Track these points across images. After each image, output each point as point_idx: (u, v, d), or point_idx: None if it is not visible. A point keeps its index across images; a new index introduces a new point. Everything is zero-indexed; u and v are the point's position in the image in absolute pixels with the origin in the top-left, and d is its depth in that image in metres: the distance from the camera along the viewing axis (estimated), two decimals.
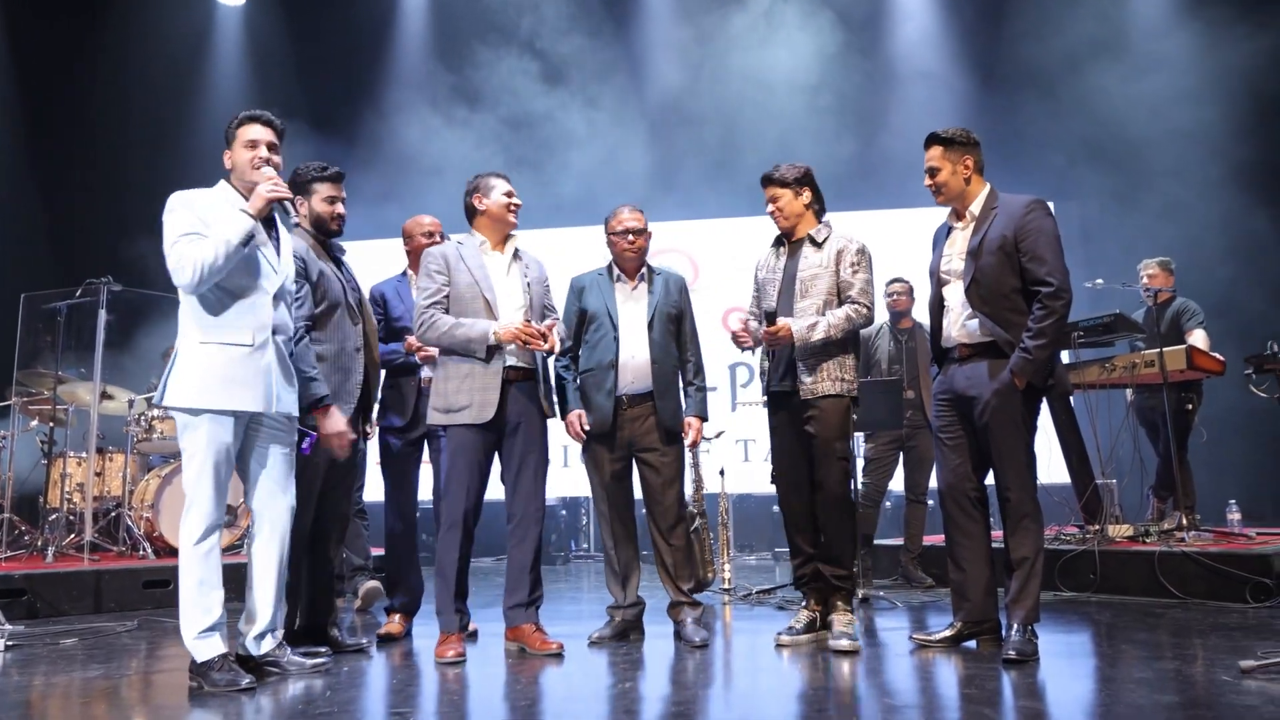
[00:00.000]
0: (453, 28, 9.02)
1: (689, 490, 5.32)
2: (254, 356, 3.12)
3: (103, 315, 5.71)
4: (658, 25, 8.99)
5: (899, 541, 5.77)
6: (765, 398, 3.89)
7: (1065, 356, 5.70)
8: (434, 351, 3.83)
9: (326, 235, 3.72)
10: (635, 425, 3.93)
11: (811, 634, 3.71)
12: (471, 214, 3.82)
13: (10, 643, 3.93)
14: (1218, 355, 5.19)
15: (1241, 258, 7.01)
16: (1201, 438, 5.40)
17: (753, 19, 8.47)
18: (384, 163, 8.57)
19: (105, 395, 6.17)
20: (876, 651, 3.56)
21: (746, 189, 7.13)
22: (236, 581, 3.39)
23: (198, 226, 3.07)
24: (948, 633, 3.58)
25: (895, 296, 5.71)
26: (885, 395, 5.04)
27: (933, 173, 3.56)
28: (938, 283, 3.62)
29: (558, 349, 3.66)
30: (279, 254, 3.32)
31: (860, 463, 5.45)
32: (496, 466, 3.75)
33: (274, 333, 3.19)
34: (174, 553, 5.38)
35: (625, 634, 3.92)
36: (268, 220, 3.28)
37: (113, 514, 6.04)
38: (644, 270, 4.07)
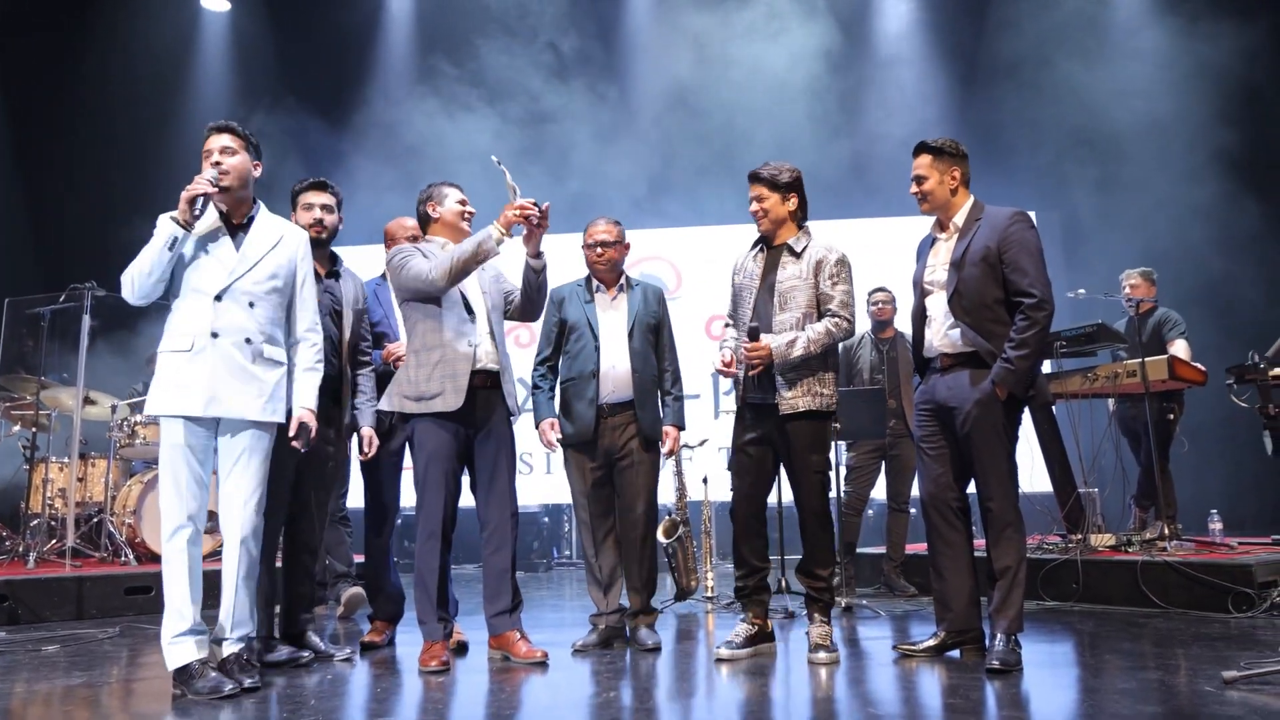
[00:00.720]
0: (428, 41, 9.02)
1: (672, 498, 5.35)
2: (194, 361, 3.12)
3: (86, 320, 5.69)
4: (643, 35, 9.00)
5: (881, 550, 5.78)
6: (737, 406, 3.84)
7: (1047, 366, 5.73)
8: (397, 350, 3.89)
9: (314, 244, 3.69)
10: (615, 434, 3.96)
11: (752, 647, 3.69)
12: (425, 221, 3.85)
13: None
14: (1199, 365, 5.23)
15: (1231, 253, 7.04)
16: (1183, 447, 5.44)
17: (741, 26, 8.50)
18: (375, 156, 8.57)
19: (88, 400, 6.14)
20: (859, 661, 3.57)
21: (728, 196, 7.15)
22: (216, 587, 3.35)
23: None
24: (931, 642, 3.59)
25: (879, 306, 5.73)
26: (868, 405, 5.06)
27: (919, 180, 3.58)
28: (921, 293, 3.64)
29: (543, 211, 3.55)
30: (241, 251, 3.25)
31: (842, 471, 5.47)
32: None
33: (219, 334, 3.15)
34: (156, 559, 5.42)
35: (609, 642, 3.93)
36: (232, 220, 3.28)
37: (95, 520, 6.02)
38: (623, 281, 4.10)
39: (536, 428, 4.05)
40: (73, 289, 5.71)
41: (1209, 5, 7.53)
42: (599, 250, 4.04)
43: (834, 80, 8.35)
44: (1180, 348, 5.49)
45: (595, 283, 4.09)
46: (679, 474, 5.29)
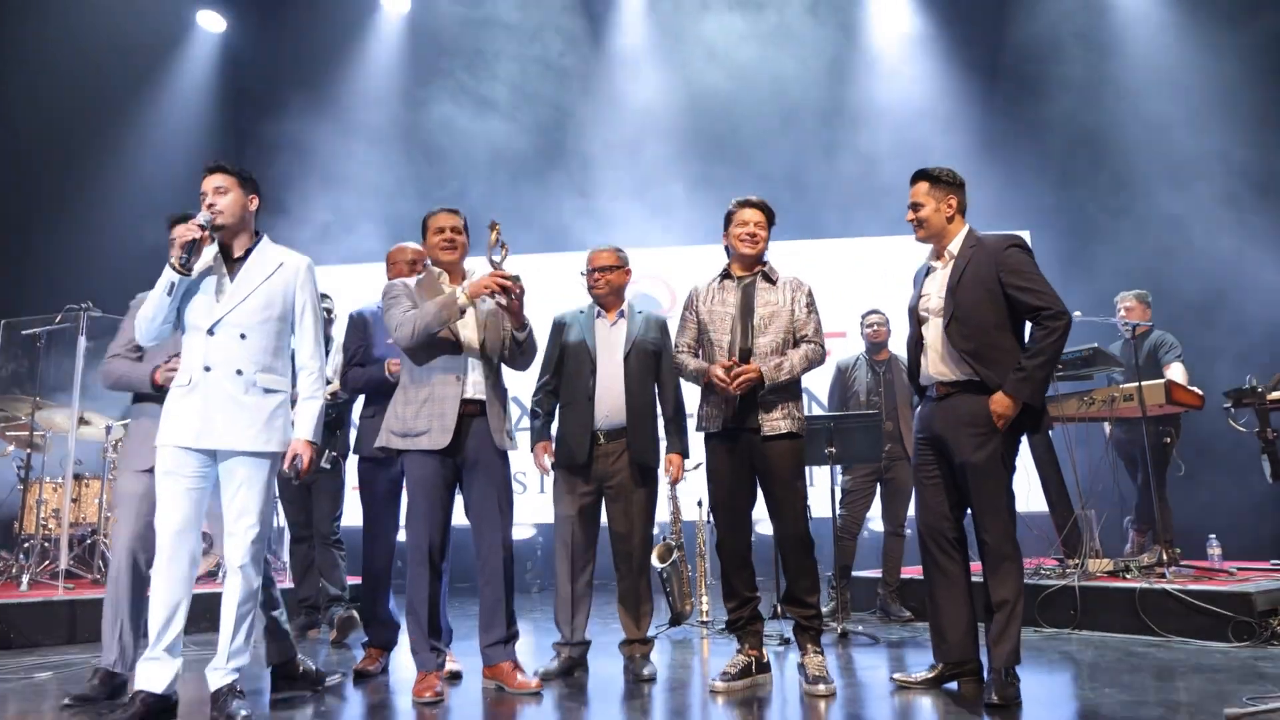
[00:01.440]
0: (425, 52, 8.99)
1: (667, 521, 5.34)
2: (189, 394, 3.21)
3: (82, 341, 5.67)
4: (635, 51, 8.97)
5: (877, 573, 5.76)
6: (706, 432, 3.84)
7: None
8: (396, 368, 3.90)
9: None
10: (608, 461, 3.95)
11: (747, 679, 3.68)
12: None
13: None
14: (1196, 390, 5.21)
15: (1233, 270, 6.99)
16: (1179, 471, 5.41)
17: (742, 42, 8.49)
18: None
19: (83, 421, 6.12)
20: (856, 693, 3.54)
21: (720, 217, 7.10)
22: (214, 610, 3.37)
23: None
24: (928, 674, 3.57)
25: (874, 328, 5.72)
26: (864, 429, 5.04)
27: (916, 207, 3.60)
28: (916, 321, 3.63)
29: (519, 291, 3.55)
30: (234, 284, 3.29)
31: (837, 494, 5.46)
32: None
33: (212, 368, 3.21)
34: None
35: (570, 670, 3.95)
36: (233, 254, 3.35)
37: (88, 541, 6.01)
38: (624, 307, 4.10)
39: (531, 449, 4.09)
40: (69, 310, 5.70)
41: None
42: (596, 275, 4.07)
43: (834, 97, 8.34)
44: (1177, 371, 5.47)
45: (597, 308, 4.11)
46: (673, 498, 5.27)
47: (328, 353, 5.37)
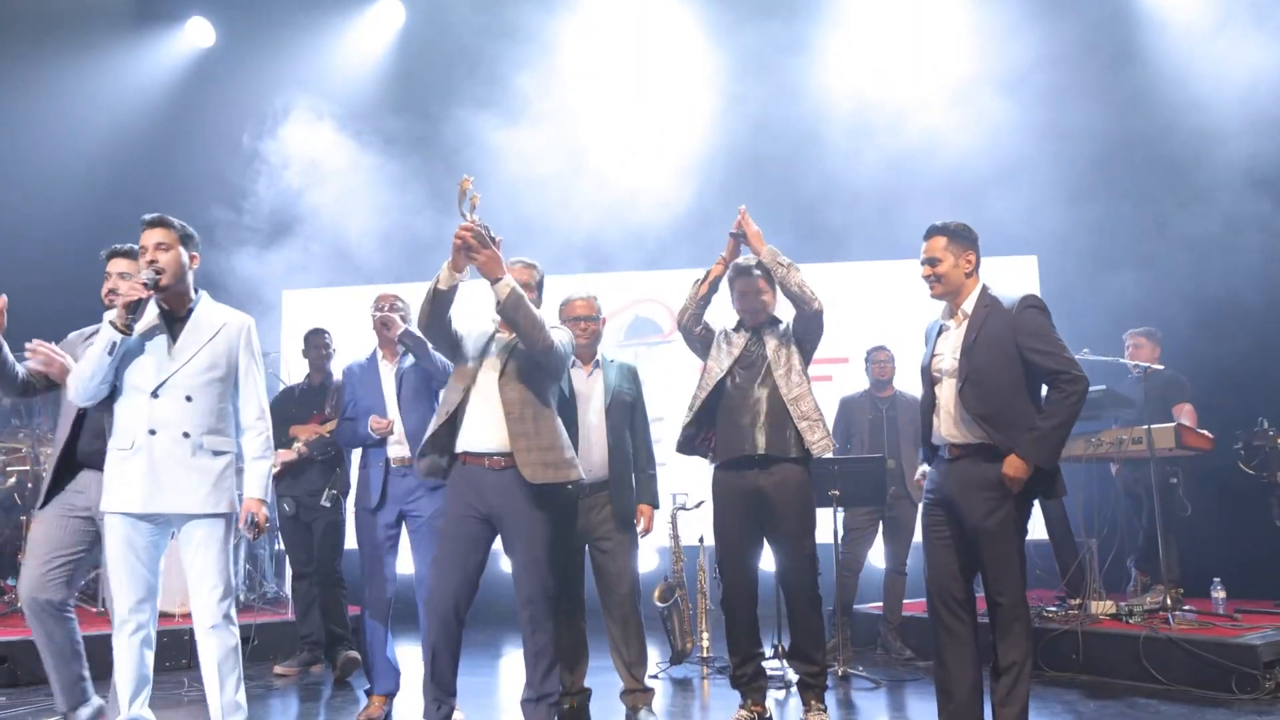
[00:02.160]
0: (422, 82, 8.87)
1: (668, 560, 5.32)
2: (133, 458, 3.15)
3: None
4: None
5: (878, 608, 5.73)
6: (715, 466, 3.89)
7: None
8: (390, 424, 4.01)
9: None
10: (591, 515, 3.91)
11: None
12: None
13: None
14: (1206, 433, 5.17)
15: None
16: (1186, 511, 5.37)
17: (746, 64, 8.39)
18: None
19: None
20: None
21: (719, 241, 6.98)
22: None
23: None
24: None
25: (881, 364, 5.68)
26: (868, 471, 5.02)
27: (933, 263, 3.49)
28: (930, 380, 3.55)
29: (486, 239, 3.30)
30: (177, 345, 3.25)
31: (839, 532, 5.44)
32: None
33: (156, 430, 3.16)
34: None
35: None
36: (173, 313, 3.31)
37: (92, 574, 6.00)
38: (598, 358, 4.06)
39: None
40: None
41: None
42: (582, 325, 3.99)
43: (836, 117, 8.22)
44: (1186, 413, 5.43)
45: (572, 358, 3.94)
46: (674, 536, 5.24)
47: (328, 387, 5.39)
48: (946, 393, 3.46)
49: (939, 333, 3.59)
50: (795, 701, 4.22)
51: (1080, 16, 7.70)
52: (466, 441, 3.46)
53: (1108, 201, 7.41)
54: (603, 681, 4.17)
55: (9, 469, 6.28)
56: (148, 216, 3.33)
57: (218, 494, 3.23)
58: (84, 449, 3.54)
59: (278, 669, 5.28)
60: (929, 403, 3.56)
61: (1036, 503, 5.20)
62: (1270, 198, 6.67)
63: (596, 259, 7.92)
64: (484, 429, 3.44)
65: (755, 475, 3.74)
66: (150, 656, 3.27)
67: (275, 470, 5.25)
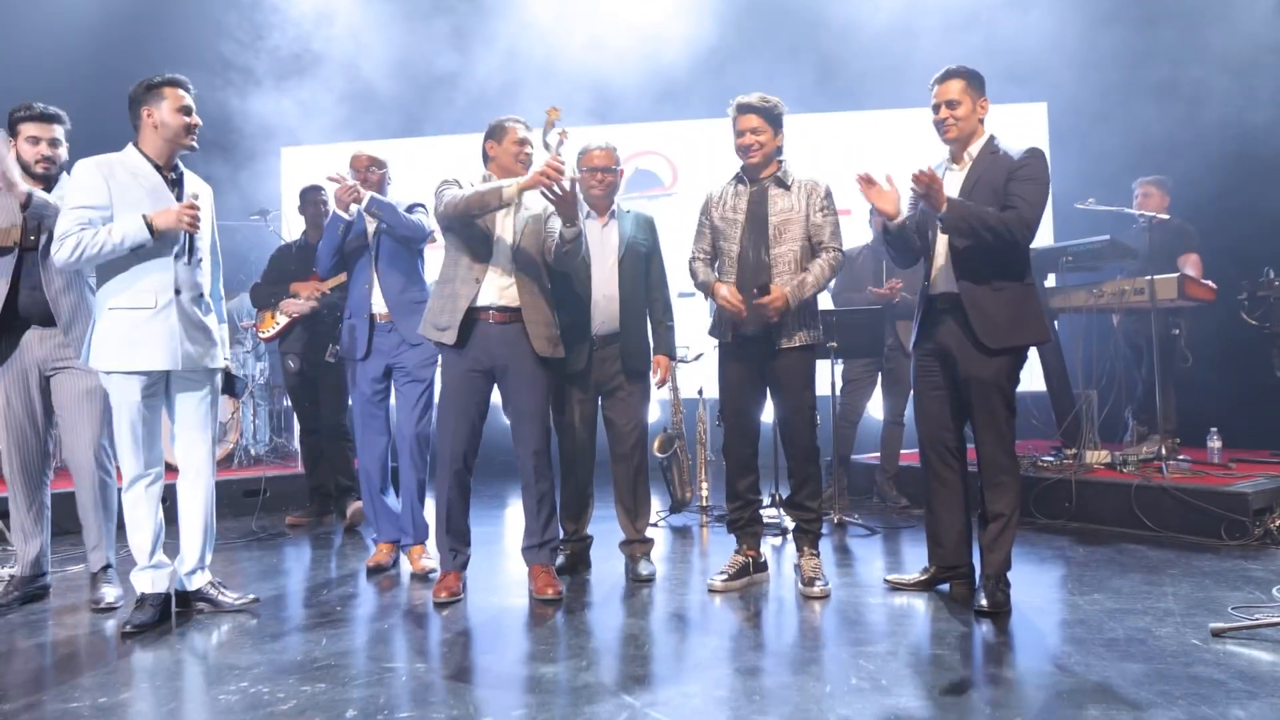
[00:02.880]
0: None
1: (668, 412, 5.36)
2: (158, 318, 3.26)
3: None
4: None
5: (875, 459, 5.81)
6: (718, 341, 3.80)
7: (1052, 279, 5.62)
8: (353, 183, 3.94)
9: (34, 178, 3.59)
10: (605, 366, 3.93)
11: (745, 578, 3.76)
12: (486, 158, 3.77)
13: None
14: (1209, 283, 5.10)
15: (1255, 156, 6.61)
16: (1187, 362, 5.36)
17: None
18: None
19: None
20: (850, 594, 3.61)
21: (725, 88, 6.73)
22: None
23: (98, 200, 3.20)
24: (921, 576, 3.65)
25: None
26: (866, 324, 4.99)
27: (953, 105, 3.39)
28: (932, 223, 3.47)
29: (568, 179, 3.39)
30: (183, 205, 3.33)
31: (838, 384, 5.45)
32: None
33: (180, 291, 3.31)
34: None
35: (574, 567, 4.05)
36: (175, 174, 3.39)
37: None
38: (613, 208, 3.97)
39: None
40: None
41: None
42: (599, 176, 3.90)
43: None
44: (1192, 263, 5.35)
45: (587, 209, 3.96)
46: (673, 388, 5.26)
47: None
48: (942, 240, 3.42)
49: (943, 175, 3.49)
50: (791, 548, 4.33)
51: None
52: (482, 297, 3.59)
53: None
54: (604, 530, 4.27)
55: None
56: (181, 77, 3.38)
57: (218, 350, 3.47)
58: (25, 302, 3.56)
59: (289, 519, 5.43)
60: (924, 251, 3.52)
61: (1034, 353, 5.24)
62: None
63: (599, 109, 7.71)
64: (496, 287, 3.60)
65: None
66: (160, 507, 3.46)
67: (280, 327, 5.27)
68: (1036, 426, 5.54)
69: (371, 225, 4.14)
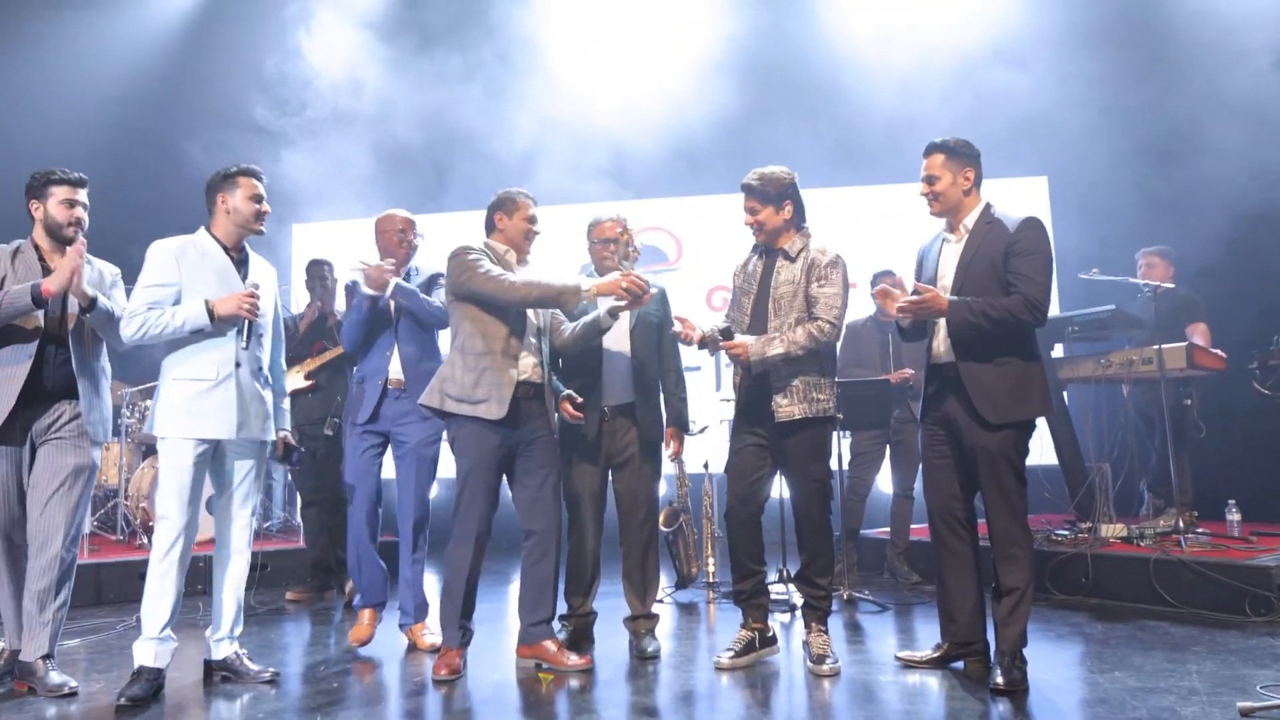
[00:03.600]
0: None
1: (673, 486, 5.30)
2: (218, 389, 3.40)
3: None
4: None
5: (885, 534, 5.71)
6: (734, 410, 3.77)
7: (1059, 350, 5.58)
8: (386, 268, 3.96)
9: (63, 241, 3.52)
10: (616, 437, 3.90)
11: (751, 654, 3.65)
12: (490, 228, 3.81)
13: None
14: (1219, 352, 5.06)
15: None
16: (1200, 433, 5.28)
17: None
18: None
19: None
20: (861, 671, 3.50)
21: (731, 164, 6.82)
22: None
23: (168, 279, 3.38)
24: (933, 653, 3.54)
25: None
26: (872, 395, 4.95)
27: (931, 181, 3.45)
28: None
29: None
30: (248, 286, 3.49)
31: (846, 456, 5.38)
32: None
33: (240, 365, 3.44)
34: None
35: (577, 643, 3.95)
36: (241, 255, 3.56)
37: (111, 504, 6.12)
38: None
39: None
40: None
41: None
42: (613, 248, 3.92)
43: (843, 47, 7.98)
44: (1200, 333, 5.31)
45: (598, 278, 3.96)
46: (679, 461, 5.20)
47: (327, 317, 5.40)
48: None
49: (941, 246, 3.52)
50: (800, 624, 4.22)
51: None
52: (521, 372, 3.61)
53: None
54: (609, 606, 4.17)
55: None
56: (256, 168, 3.58)
57: (271, 424, 3.60)
58: (50, 375, 3.46)
59: (290, 595, 5.35)
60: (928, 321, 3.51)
61: (1044, 426, 5.19)
62: None
63: (609, 187, 7.80)
64: (530, 364, 3.64)
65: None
66: None
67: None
68: (1049, 500, 5.45)
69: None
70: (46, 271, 3.45)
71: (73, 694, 3.33)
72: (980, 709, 3.01)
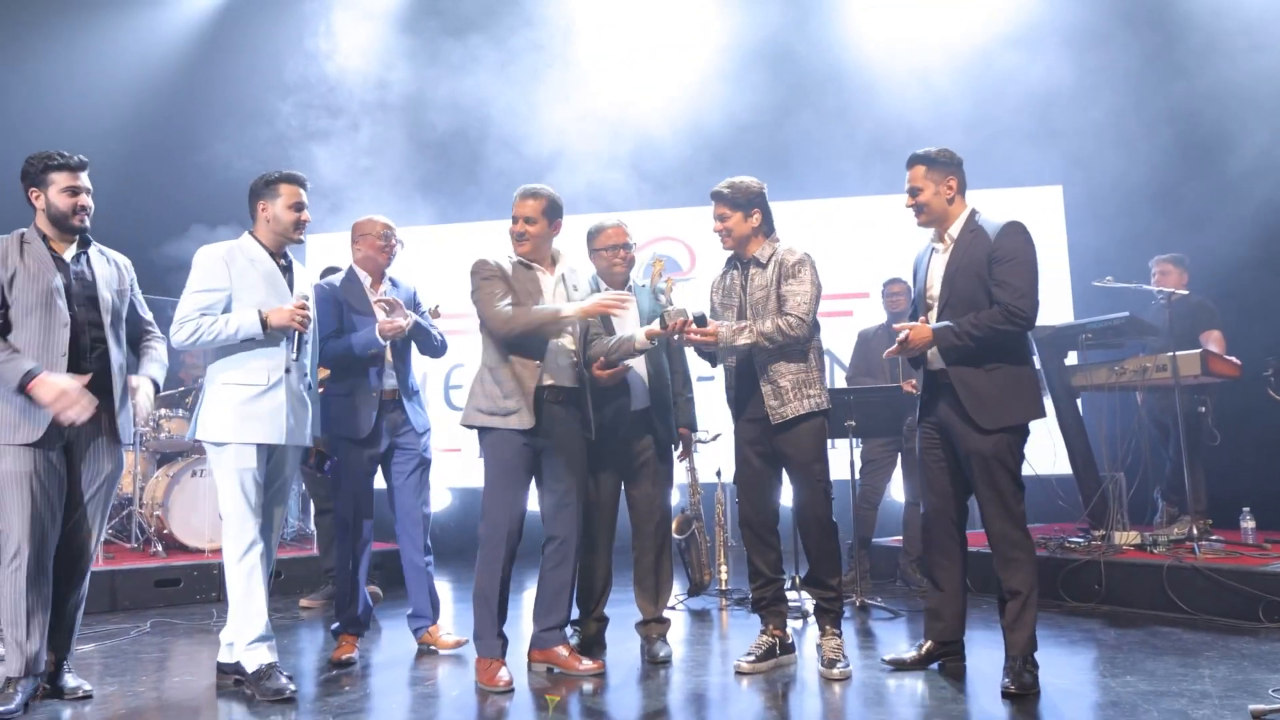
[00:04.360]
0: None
1: (686, 493, 5.31)
2: (268, 394, 3.41)
3: None
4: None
5: (897, 541, 5.70)
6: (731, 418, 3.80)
7: (1073, 357, 5.58)
8: (404, 324, 3.91)
9: (70, 231, 3.29)
10: (631, 444, 3.90)
11: (771, 659, 3.66)
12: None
13: None
14: (1234, 359, 5.04)
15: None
16: (1215, 440, 5.26)
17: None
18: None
19: None
20: (872, 675, 3.51)
21: (742, 173, 6.81)
22: None
23: (219, 284, 3.39)
24: (915, 653, 3.58)
25: (895, 297, 5.60)
26: (884, 402, 4.95)
27: (914, 193, 3.50)
28: (924, 307, 3.54)
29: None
30: (295, 294, 3.53)
31: (857, 464, 5.38)
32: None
33: (289, 370, 3.45)
34: (184, 550, 5.82)
35: (588, 649, 3.95)
36: (285, 261, 3.58)
37: (125, 512, 6.17)
38: (630, 284, 4.02)
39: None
40: None
41: None
42: (620, 253, 3.95)
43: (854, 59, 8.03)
44: (1215, 340, 5.30)
45: (604, 286, 3.99)
46: (691, 469, 5.22)
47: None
48: (933, 319, 3.44)
49: (930, 256, 3.57)
50: (813, 630, 4.23)
51: None
52: (549, 375, 3.60)
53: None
54: (621, 612, 4.18)
55: None
56: (298, 173, 3.59)
57: (309, 430, 3.61)
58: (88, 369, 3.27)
59: (303, 602, 5.38)
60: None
61: (1057, 434, 5.18)
62: None
63: (615, 198, 7.82)
64: (555, 367, 3.61)
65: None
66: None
67: None
68: (1063, 508, 5.43)
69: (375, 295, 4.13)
70: (58, 261, 3.23)
71: (87, 697, 3.34)
72: (992, 713, 3.01)
